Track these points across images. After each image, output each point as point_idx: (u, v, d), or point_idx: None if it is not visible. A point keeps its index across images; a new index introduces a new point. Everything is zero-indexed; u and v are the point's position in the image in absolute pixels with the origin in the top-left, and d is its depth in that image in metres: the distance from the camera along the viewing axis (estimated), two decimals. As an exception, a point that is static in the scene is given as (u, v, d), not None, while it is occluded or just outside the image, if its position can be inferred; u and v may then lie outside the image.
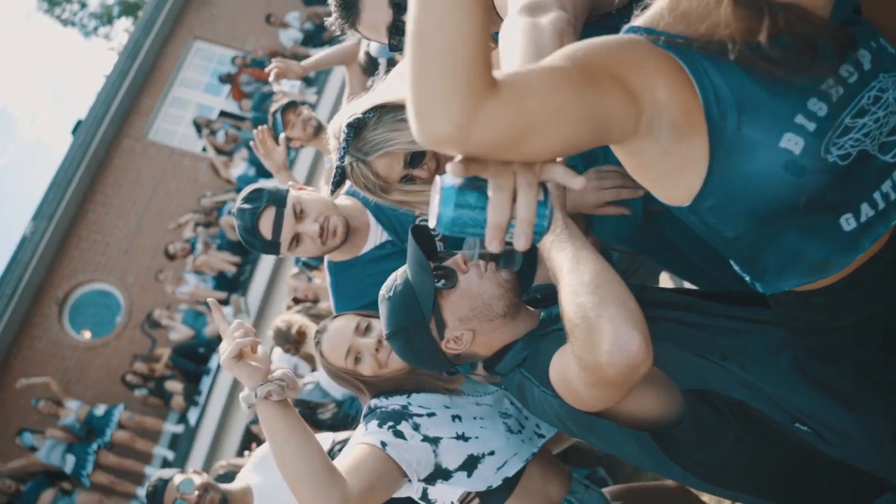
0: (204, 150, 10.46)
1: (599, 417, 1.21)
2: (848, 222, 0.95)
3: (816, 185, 0.91)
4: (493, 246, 0.84)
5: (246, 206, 1.75)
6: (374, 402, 1.62)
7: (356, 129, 1.51)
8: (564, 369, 1.16)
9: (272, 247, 1.76)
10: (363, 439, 1.46)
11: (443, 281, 1.34)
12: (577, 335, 1.06)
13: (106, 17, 21.17)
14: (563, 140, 0.84)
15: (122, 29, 20.93)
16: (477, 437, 1.52)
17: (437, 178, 0.87)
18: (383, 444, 1.44)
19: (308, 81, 8.85)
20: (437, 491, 1.49)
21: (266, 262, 7.84)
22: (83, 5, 21.13)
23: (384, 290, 1.41)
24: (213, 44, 11.59)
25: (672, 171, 0.95)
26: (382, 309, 1.41)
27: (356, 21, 1.61)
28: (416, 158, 1.56)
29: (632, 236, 1.75)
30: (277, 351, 4.31)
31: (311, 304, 5.12)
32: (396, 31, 1.50)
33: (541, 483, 1.57)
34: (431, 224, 0.89)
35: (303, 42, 10.01)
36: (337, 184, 1.59)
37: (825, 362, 1.11)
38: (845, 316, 1.05)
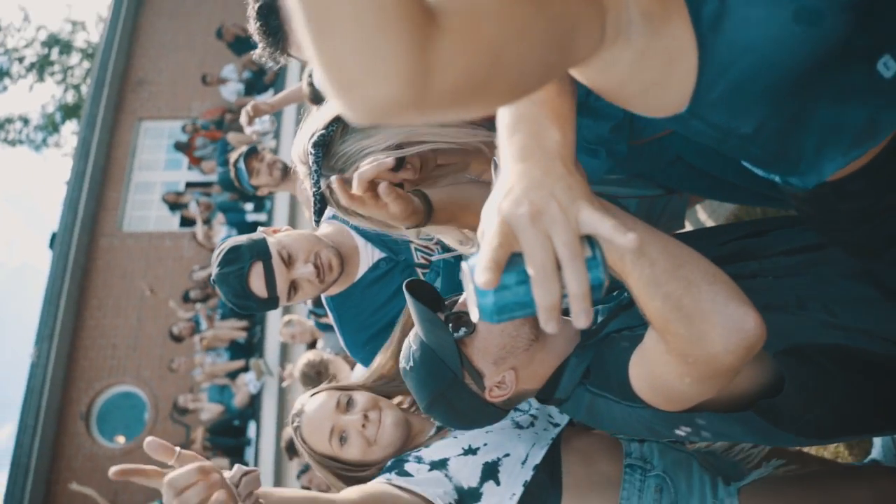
0: (182, 225, 10.34)
1: (698, 412, 1.06)
2: (887, 66, 0.79)
3: (839, 30, 0.74)
4: (550, 328, 0.70)
5: (228, 269, 1.58)
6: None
7: (323, 146, 1.35)
8: (654, 373, 1.01)
9: (270, 303, 1.60)
10: (368, 487, 1.32)
11: (462, 329, 1.20)
12: (675, 330, 0.90)
13: (51, 126, 21.06)
14: (533, 71, 0.67)
15: (70, 132, 20.84)
16: (485, 445, 1.40)
17: (464, 265, 0.76)
18: (393, 484, 1.31)
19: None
20: None
21: (274, 315, 7.70)
22: (26, 122, 21.03)
23: (403, 362, 1.27)
24: (159, 120, 11.46)
25: (656, 76, 0.80)
26: (409, 382, 1.27)
27: (286, 44, 1.45)
28: (397, 160, 1.38)
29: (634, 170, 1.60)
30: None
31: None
32: None
33: (586, 466, 1.41)
34: (474, 318, 0.76)
35: (245, 92, 9.88)
36: (319, 212, 1.42)
37: (877, 254, 0.97)
38: (891, 192, 0.90)
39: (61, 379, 9.91)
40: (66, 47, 20.59)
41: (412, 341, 1.25)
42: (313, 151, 1.35)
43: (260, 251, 1.58)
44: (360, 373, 3.73)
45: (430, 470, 1.35)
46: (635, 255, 0.89)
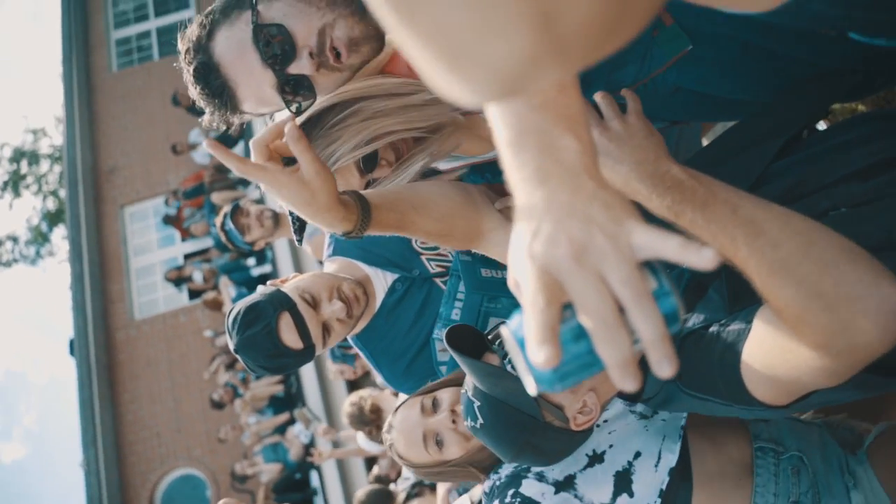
0: (191, 298, 10.27)
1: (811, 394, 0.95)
2: None
3: None
4: (629, 386, 0.56)
5: (253, 330, 1.45)
6: (486, 483, 1.34)
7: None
8: (781, 371, 0.88)
9: (307, 353, 1.48)
10: None
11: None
12: (813, 321, 0.76)
13: (40, 238, 21.10)
14: None
15: (60, 238, 20.86)
16: (611, 446, 1.26)
17: (506, 332, 0.63)
18: None
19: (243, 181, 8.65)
20: None
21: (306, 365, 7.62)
22: (15, 240, 21.09)
23: (470, 421, 1.17)
24: (140, 202, 11.40)
25: None
26: (485, 441, 1.18)
27: (234, 102, 1.32)
28: (369, 161, 1.30)
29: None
30: (361, 435, 4.11)
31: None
32: (289, 86, 1.19)
33: (716, 454, 1.27)
34: (532, 391, 0.61)
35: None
36: (299, 230, 1.33)
37: None
38: None
39: (116, 481, 9.85)
40: (34, 157, 20.65)
41: (473, 396, 1.15)
42: None
43: (281, 301, 1.46)
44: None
45: (557, 493, 1.22)
46: (751, 236, 0.75)
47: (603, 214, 0.58)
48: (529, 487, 1.23)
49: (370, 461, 5.56)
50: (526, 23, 0.41)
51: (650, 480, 1.21)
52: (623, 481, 1.22)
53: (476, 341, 1.19)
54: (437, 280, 1.63)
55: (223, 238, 3.38)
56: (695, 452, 1.25)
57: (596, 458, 1.24)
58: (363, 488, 3.74)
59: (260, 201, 7.27)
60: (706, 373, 1.01)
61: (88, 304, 10.44)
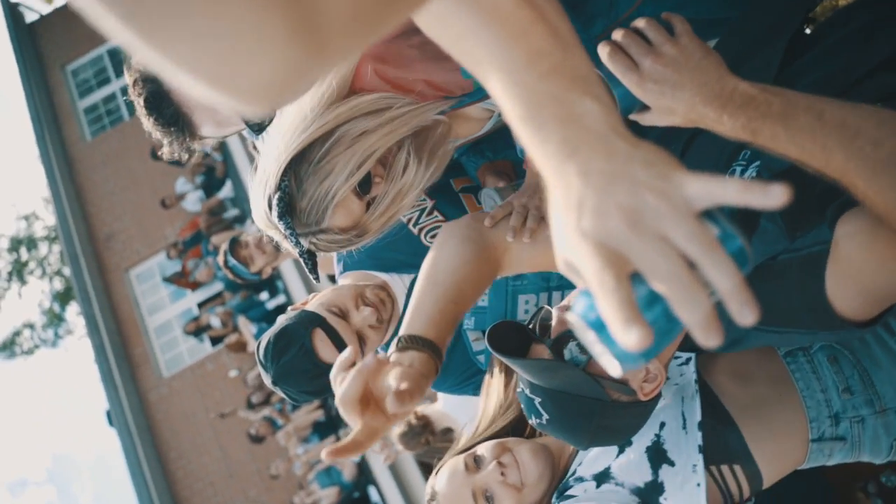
0: (214, 345, 10.28)
1: None
2: None
3: None
4: (714, 341, 0.52)
5: (288, 355, 1.40)
6: None
7: (286, 207, 1.22)
8: (876, 279, 0.88)
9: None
10: None
11: (580, 354, 1.08)
12: None
13: (54, 319, 21.20)
14: None
15: (75, 314, 20.96)
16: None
17: (574, 318, 0.60)
18: None
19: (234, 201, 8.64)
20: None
21: (338, 382, 7.63)
22: (31, 327, 21.21)
23: (534, 419, 1.15)
24: (143, 262, 11.41)
25: None
26: (555, 435, 1.16)
27: (191, 129, 1.29)
28: (364, 183, 1.27)
29: None
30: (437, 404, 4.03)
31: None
32: None
33: (744, 385, 1.26)
34: (616, 372, 0.58)
35: (207, 195, 9.81)
36: (313, 268, 1.31)
37: None
38: None
39: (181, 537, 9.91)
40: (31, 242, 20.73)
41: (532, 393, 1.12)
42: (280, 220, 1.22)
43: (311, 319, 1.42)
44: (440, 405, 3.55)
45: (598, 486, 1.20)
46: (846, 139, 0.70)
47: (646, 173, 0.54)
48: (572, 491, 1.21)
49: (427, 470, 5.54)
50: (282, 38, 0.39)
51: (684, 443, 1.19)
52: (657, 455, 1.20)
53: (518, 334, 1.15)
54: None
55: (230, 275, 3.35)
56: (722, 394, 1.23)
57: (625, 444, 1.22)
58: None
59: (241, 220, 7.25)
60: (785, 305, 0.98)
61: (116, 373, 10.48)
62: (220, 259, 3.34)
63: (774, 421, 1.21)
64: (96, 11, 0.38)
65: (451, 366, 1.59)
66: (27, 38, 12.13)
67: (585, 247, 0.54)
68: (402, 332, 1.02)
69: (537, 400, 1.11)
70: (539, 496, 1.29)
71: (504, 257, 1.20)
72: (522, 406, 1.16)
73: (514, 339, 1.14)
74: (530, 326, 1.18)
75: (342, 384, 0.89)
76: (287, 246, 1.27)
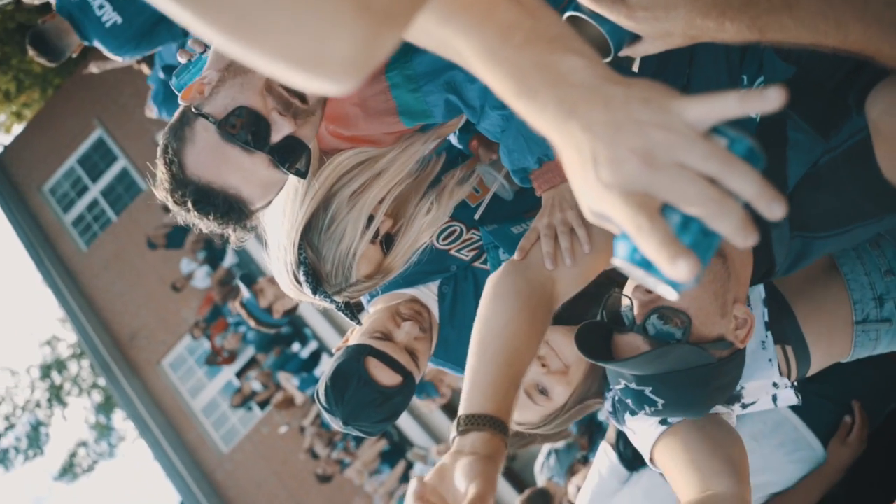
0: (262, 408, 10.33)
1: None
2: None
3: None
4: (752, 240, 0.55)
5: (351, 391, 1.40)
6: (607, 404, 1.31)
7: (314, 279, 1.24)
8: None
9: (409, 384, 1.45)
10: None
11: (680, 329, 1.08)
12: None
13: (104, 431, 21.36)
14: None
15: (122, 420, 21.12)
16: None
17: (618, 262, 0.62)
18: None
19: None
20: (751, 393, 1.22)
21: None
22: (84, 444, 21.38)
23: (648, 409, 1.15)
24: (171, 351, 11.49)
25: None
26: (677, 415, 1.17)
27: (247, 206, 1.19)
28: (371, 221, 1.31)
29: None
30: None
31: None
32: (282, 154, 1.13)
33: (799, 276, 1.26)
34: (674, 297, 0.61)
35: (213, 269, 9.87)
36: (354, 316, 1.35)
37: None
38: None
39: None
40: (60, 364, 20.91)
41: (639, 386, 1.11)
42: (310, 290, 1.25)
43: (359, 351, 1.44)
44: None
45: None
46: (859, 9, 0.71)
47: (647, 111, 0.55)
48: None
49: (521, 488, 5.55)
50: (351, 16, 0.46)
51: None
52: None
53: (598, 331, 1.16)
54: (477, 264, 1.61)
55: (247, 317, 3.39)
56: (779, 284, 1.24)
57: None
58: (523, 493, 3.71)
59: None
60: (843, 203, 1.01)
61: (178, 464, 10.54)
62: (236, 307, 3.38)
63: (823, 303, 1.22)
64: (186, 19, 0.44)
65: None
66: (-2, 172, 12.28)
67: (611, 196, 0.56)
68: (460, 411, 0.97)
69: (647, 389, 1.10)
70: (585, 371, 1.34)
71: (555, 289, 1.15)
72: (630, 402, 1.14)
73: (596, 337, 1.14)
74: (602, 319, 1.17)
75: None
76: (320, 303, 1.30)
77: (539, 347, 1.09)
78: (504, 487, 7.10)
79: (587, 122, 0.57)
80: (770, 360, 1.18)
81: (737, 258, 1.12)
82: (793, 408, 1.90)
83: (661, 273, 0.57)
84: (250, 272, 3.39)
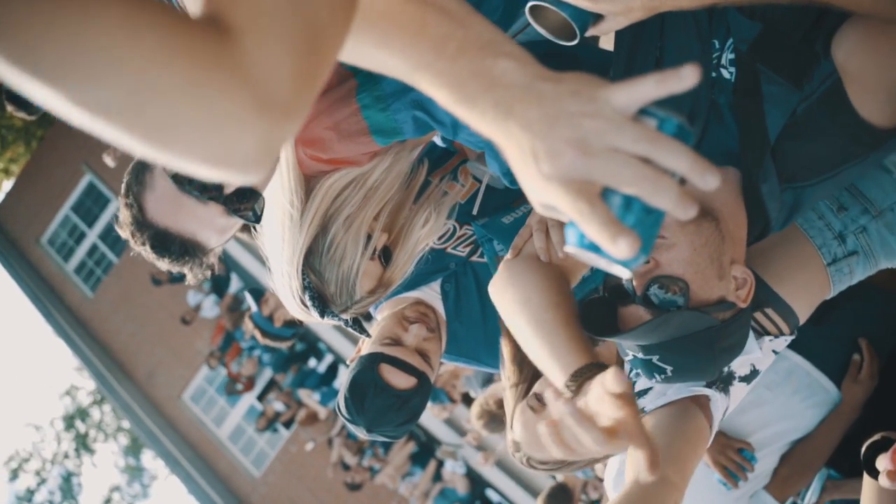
0: (287, 427, 10.37)
1: None
2: None
3: None
4: (691, 213, 0.58)
5: (370, 399, 1.45)
6: (626, 369, 1.33)
7: (320, 302, 1.28)
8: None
9: (424, 384, 1.49)
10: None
11: (680, 296, 1.08)
12: None
13: (136, 473, 21.45)
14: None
15: (151, 459, 21.22)
16: None
17: (571, 249, 0.65)
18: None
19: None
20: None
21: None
22: (118, 489, 21.47)
23: (657, 377, 1.16)
24: (190, 383, 11.54)
25: None
26: (686, 380, 1.18)
27: (204, 248, 1.28)
28: (369, 240, 1.34)
29: None
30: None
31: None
32: (235, 202, 1.18)
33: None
34: (626, 276, 0.66)
35: (220, 297, 9.91)
36: (363, 330, 1.40)
37: None
38: None
39: None
40: (82, 413, 20.99)
41: (646, 355, 1.12)
42: (318, 313, 1.29)
43: (371, 360, 1.48)
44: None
45: None
46: None
47: (576, 103, 0.59)
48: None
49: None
50: (252, 115, 0.49)
51: None
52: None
53: (601, 306, 1.17)
54: (474, 258, 1.64)
55: (254, 330, 3.44)
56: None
57: None
58: (543, 491, 3.76)
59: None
60: (827, 147, 1.03)
61: (213, 495, 10.60)
62: (249, 328, 3.43)
63: (790, 260, 1.25)
64: (103, 130, 0.47)
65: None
66: (-5, 231, 12.32)
67: (553, 187, 0.59)
68: (558, 380, 1.00)
69: (654, 358, 1.11)
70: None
71: (565, 270, 1.19)
72: (641, 372, 1.16)
73: (600, 314, 1.15)
74: (603, 294, 1.19)
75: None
76: (324, 320, 1.33)
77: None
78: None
79: (524, 121, 0.60)
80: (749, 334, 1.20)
81: (729, 219, 1.13)
82: (802, 354, 1.93)
83: (608, 254, 0.60)
84: (258, 287, 3.45)
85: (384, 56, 0.69)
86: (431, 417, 7.70)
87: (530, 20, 1.05)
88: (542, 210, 0.63)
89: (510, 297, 1.15)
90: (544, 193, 0.61)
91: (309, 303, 1.26)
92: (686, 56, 1.13)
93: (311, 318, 1.32)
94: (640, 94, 0.58)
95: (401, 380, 1.45)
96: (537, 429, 1.35)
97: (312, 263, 1.25)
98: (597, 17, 1.00)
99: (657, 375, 1.13)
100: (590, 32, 1.02)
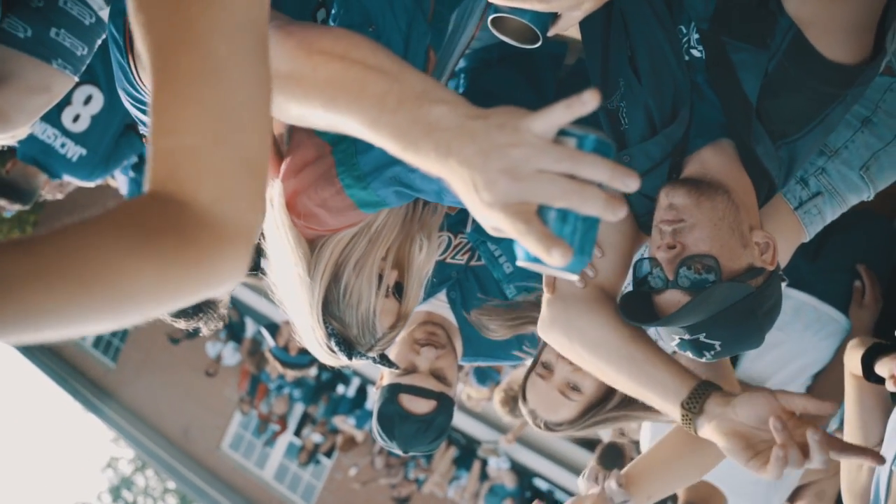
0: (328, 456, 10.40)
1: None
2: None
3: None
4: (620, 214, 0.66)
5: (397, 428, 1.56)
6: None
7: (346, 346, 1.34)
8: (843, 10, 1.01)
9: (445, 403, 1.59)
10: None
11: (710, 273, 1.11)
12: None
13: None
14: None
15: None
16: None
17: (523, 264, 0.73)
18: None
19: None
20: None
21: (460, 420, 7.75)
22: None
23: (707, 357, 1.19)
24: (226, 432, 11.59)
25: None
26: (732, 352, 1.20)
27: (214, 301, 1.46)
28: (380, 280, 1.39)
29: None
30: None
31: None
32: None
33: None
34: (576, 279, 0.73)
35: (238, 343, 9.96)
36: (391, 363, 1.46)
37: None
38: None
39: None
40: (127, 482, 21.06)
41: (691, 335, 1.16)
42: (346, 356, 1.35)
43: (391, 391, 1.58)
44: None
45: None
46: None
47: (502, 135, 0.67)
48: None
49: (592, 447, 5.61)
50: (232, 248, 0.62)
51: None
52: None
53: (638, 298, 1.21)
54: (473, 263, 1.71)
55: (274, 362, 3.51)
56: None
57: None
58: (596, 450, 3.80)
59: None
60: (806, 96, 1.08)
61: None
62: (278, 368, 3.49)
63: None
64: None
65: (522, 336, 1.68)
66: (7, 322, 12.39)
67: (495, 212, 0.67)
68: (673, 413, 1.10)
69: (702, 336, 1.13)
70: None
71: (605, 290, 1.26)
72: (689, 353, 1.18)
73: (638, 305, 1.19)
74: (635, 287, 1.23)
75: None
76: (350, 363, 1.40)
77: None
78: (574, 449, 7.18)
79: (461, 157, 0.68)
80: None
81: (739, 188, 1.16)
82: (805, 290, 1.98)
83: (554, 266, 0.67)
84: (272, 323, 3.55)
85: (334, 116, 0.78)
86: (467, 419, 7.75)
87: (494, 32, 1.11)
88: (493, 232, 0.71)
89: (579, 344, 1.21)
90: (489, 218, 0.69)
91: (336, 348, 1.32)
92: (655, 48, 1.19)
93: (341, 361, 1.38)
94: (555, 120, 0.66)
95: (421, 406, 1.55)
96: (549, 395, 1.43)
97: (332, 311, 1.30)
98: (554, 17, 1.06)
99: (707, 353, 1.16)
100: (551, 32, 1.08)
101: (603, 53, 1.23)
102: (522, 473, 7.97)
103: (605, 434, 3.66)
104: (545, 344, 1.51)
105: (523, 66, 1.63)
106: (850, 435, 1.45)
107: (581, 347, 1.20)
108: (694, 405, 1.06)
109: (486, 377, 4.90)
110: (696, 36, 1.18)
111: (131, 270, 0.54)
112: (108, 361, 12.17)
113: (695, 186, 1.15)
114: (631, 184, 0.65)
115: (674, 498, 2.10)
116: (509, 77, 1.61)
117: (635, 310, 1.18)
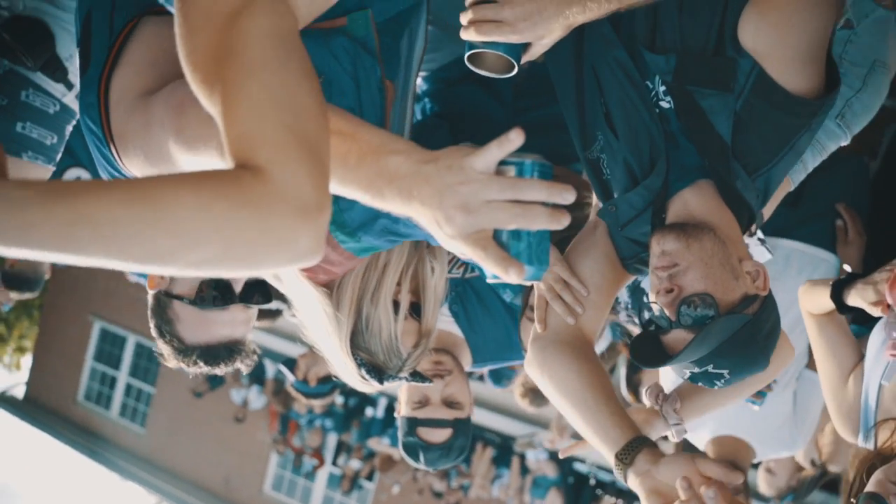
0: (370, 479, 10.43)
1: None
2: None
3: None
4: (564, 222, 0.78)
5: (422, 454, 1.71)
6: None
7: (376, 372, 1.41)
8: (799, 39, 1.09)
9: (462, 427, 1.71)
10: None
11: (706, 311, 1.18)
12: None
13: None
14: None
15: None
16: None
17: (491, 282, 0.93)
18: None
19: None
20: None
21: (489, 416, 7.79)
22: None
23: (718, 385, 1.26)
24: (264, 475, 11.62)
25: None
26: (739, 379, 1.26)
27: (241, 344, 1.49)
28: (397, 306, 1.45)
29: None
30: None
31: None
32: (252, 298, 1.41)
33: None
34: (530, 281, 0.84)
35: (262, 385, 10.00)
36: (423, 378, 1.53)
37: None
38: None
39: None
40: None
41: (700, 368, 1.23)
42: (378, 381, 1.42)
43: (409, 425, 1.72)
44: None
45: None
46: None
47: (451, 175, 0.77)
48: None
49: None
50: (296, 221, 0.66)
51: None
52: None
53: (648, 339, 1.28)
54: (468, 275, 1.80)
55: (297, 396, 3.58)
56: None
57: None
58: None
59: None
60: (774, 128, 1.17)
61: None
62: (293, 392, 3.55)
63: None
64: (202, 275, 0.70)
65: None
66: (28, 406, 12.46)
67: (458, 242, 0.79)
68: (609, 454, 1.22)
69: (710, 367, 1.20)
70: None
71: (585, 332, 1.38)
72: (701, 384, 1.26)
73: (648, 347, 1.27)
74: (640, 330, 1.32)
75: None
76: (383, 386, 1.46)
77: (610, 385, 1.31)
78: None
79: (421, 199, 0.79)
80: None
81: (723, 224, 1.23)
82: (792, 237, 2.05)
83: (513, 284, 0.80)
84: (288, 359, 3.63)
85: None
86: (498, 418, 7.80)
87: (471, 67, 1.19)
88: (462, 258, 0.83)
89: (548, 382, 1.34)
90: (455, 248, 0.80)
91: (367, 376, 1.39)
92: (629, 106, 1.28)
93: (375, 388, 1.46)
94: (492, 157, 0.77)
95: (438, 436, 1.69)
96: None
97: (358, 343, 1.38)
98: (525, 46, 1.14)
99: (717, 382, 1.23)
100: (523, 60, 1.16)
101: (578, 110, 1.33)
102: (561, 461, 8.01)
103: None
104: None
105: (482, 80, 1.70)
106: (825, 371, 1.53)
107: (549, 384, 1.33)
108: (626, 457, 1.18)
109: (501, 377, 4.93)
110: (662, 88, 1.25)
111: (230, 215, 0.62)
112: (137, 427, 12.22)
113: (682, 230, 1.22)
114: (567, 196, 0.76)
115: (703, 455, 2.17)
116: (473, 94, 1.68)
117: (647, 354, 1.26)
